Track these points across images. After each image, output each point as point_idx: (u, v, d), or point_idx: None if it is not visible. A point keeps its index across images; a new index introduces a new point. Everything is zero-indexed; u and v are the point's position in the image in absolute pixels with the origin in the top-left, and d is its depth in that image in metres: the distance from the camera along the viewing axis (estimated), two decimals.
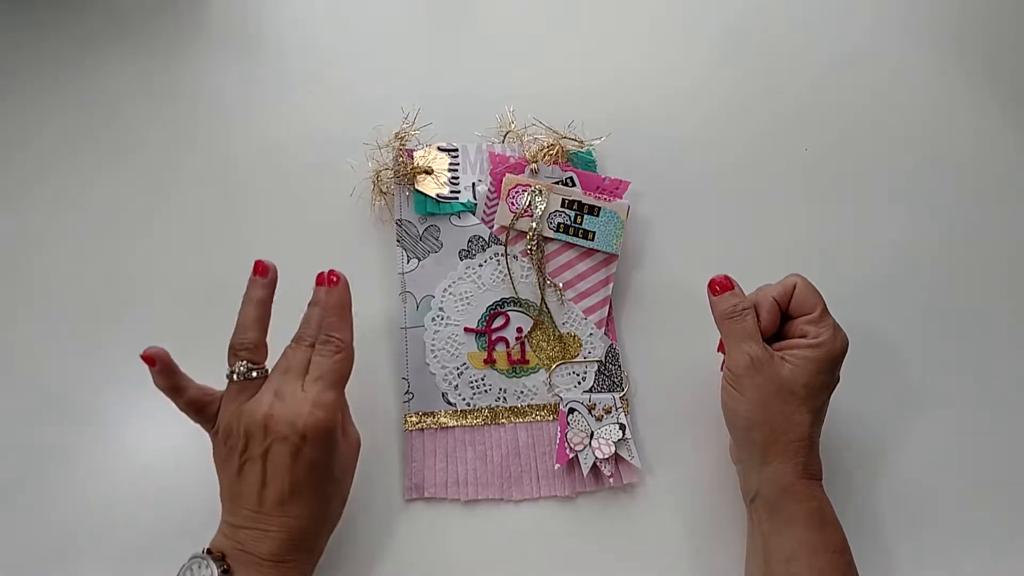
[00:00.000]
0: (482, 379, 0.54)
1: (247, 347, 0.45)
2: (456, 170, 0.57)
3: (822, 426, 0.47)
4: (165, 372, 0.45)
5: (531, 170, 0.57)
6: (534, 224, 0.56)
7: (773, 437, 0.45)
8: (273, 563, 0.42)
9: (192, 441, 0.51)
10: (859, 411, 0.55)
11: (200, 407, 0.45)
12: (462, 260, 0.56)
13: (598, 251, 0.56)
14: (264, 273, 0.47)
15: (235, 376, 0.45)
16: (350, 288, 0.47)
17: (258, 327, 0.46)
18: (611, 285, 0.56)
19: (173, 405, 0.46)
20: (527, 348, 0.55)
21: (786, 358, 0.46)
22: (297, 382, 0.45)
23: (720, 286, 0.48)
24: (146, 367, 0.44)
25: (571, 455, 0.52)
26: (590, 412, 0.53)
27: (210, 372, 0.53)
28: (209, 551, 0.43)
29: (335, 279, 0.47)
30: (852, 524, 0.45)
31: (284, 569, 0.43)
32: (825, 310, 0.47)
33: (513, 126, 0.59)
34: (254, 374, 0.45)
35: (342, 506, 0.47)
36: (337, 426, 0.45)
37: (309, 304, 0.48)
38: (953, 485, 0.54)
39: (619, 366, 0.55)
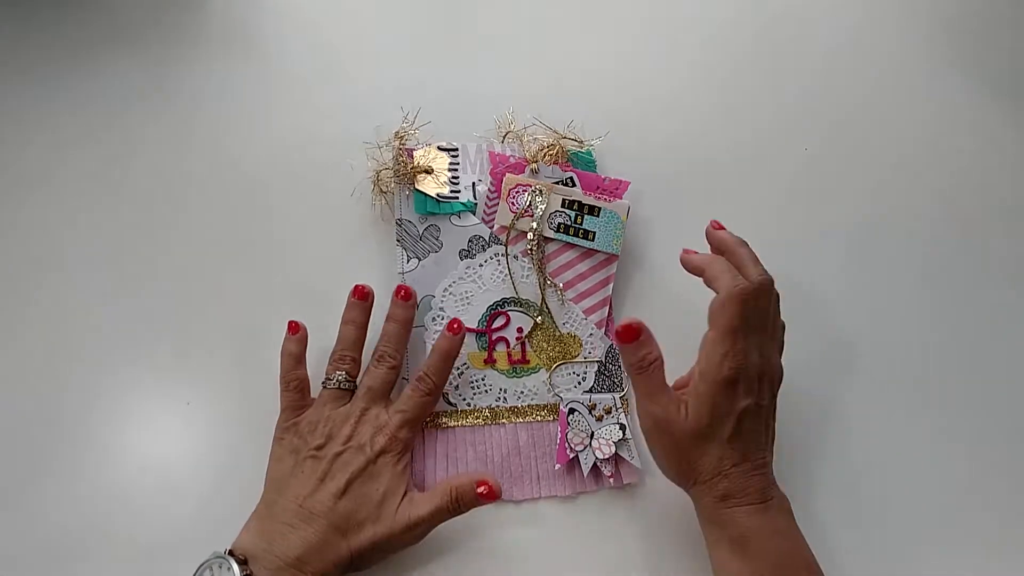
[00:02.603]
0: (482, 379, 0.54)
1: (349, 362, 0.50)
2: (456, 170, 0.57)
3: (770, 442, 0.46)
4: (302, 341, 0.50)
5: (531, 170, 0.57)
6: (534, 224, 0.56)
7: (686, 478, 0.45)
8: (295, 570, 0.42)
9: (200, 444, 0.52)
10: (852, 410, 0.55)
11: (304, 386, 0.50)
12: (462, 260, 0.56)
13: (598, 251, 0.56)
14: (364, 298, 0.51)
15: (332, 384, 0.49)
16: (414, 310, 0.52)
17: (359, 346, 0.51)
18: (611, 285, 0.56)
19: (179, 407, 0.46)
20: (527, 348, 0.55)
21: (682, 401, 0.44)
22: (383, 405, 0.49)
23: (628, 333, 0.44)
24: (158, 353, 0.48)
25: (571, 455, 0.52)
26: (590, 412, 0.53)
27: (211, 369, 0.53)
28: (231, 552, 0.43)
29: (456, 327, 0.51)
30: (843, 526, 0.46)
31: None
32: (721, 332, 0.43)
33: (513, 126, 0.59)
34: (348, 386, 0.49)
35: (357, 552, 0.45)
36: (407, 461, 0.48)
37: (387, 319, 0.51)
38: (933, 487, 0.54)
39: (619, 366, 0.55)
